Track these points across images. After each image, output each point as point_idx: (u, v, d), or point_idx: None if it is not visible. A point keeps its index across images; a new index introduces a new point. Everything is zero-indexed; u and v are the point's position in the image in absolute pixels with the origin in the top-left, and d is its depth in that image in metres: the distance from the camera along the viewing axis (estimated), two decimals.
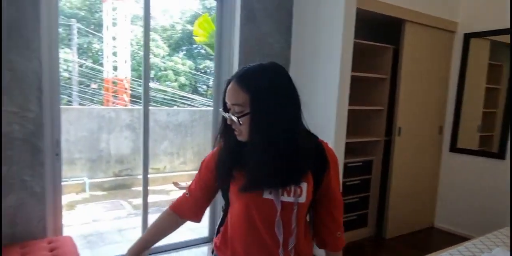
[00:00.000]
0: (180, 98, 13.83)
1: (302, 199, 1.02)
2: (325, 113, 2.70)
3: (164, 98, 13.55)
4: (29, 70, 2.13)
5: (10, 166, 2.15)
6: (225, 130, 1.07)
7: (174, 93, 14.06)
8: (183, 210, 1.16)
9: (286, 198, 1.01)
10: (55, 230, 2.40)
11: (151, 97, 12.54)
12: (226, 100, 1.01)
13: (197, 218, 1.18)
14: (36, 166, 2.23)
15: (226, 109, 1.04)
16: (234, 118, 0.99)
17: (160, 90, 13.81)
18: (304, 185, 1.02)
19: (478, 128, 3.40)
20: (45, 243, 2.16)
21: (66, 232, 2.50)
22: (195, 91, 16.15)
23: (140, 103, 7.43)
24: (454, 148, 3.45)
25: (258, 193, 1.02)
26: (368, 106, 3.19)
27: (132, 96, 12.48)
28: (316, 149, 1.07)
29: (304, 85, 2.89)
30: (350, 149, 3.42)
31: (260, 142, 0.97)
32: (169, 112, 6.80)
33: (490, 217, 3.09)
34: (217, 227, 1.18)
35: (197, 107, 11.96)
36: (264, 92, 0.97)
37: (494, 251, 1.89)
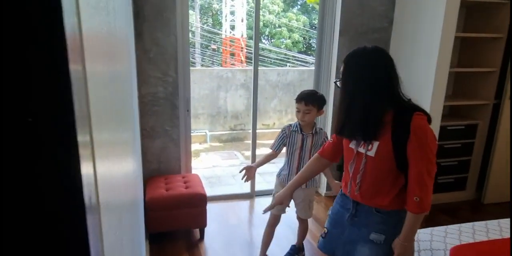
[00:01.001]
0: (291, 58, 14.14)
1: (371, 153, 1.35)
2: (425, 75, 2.79)
3: (277, 58, 14.01)
4: (168, 44, 2.78)
5: (157, 118, 2.91)
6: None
7: (286, 54, 14.39)
8: (325, 154, 1.62)
9: (361, 149, 1.38)
10: (187, 169, 3.17)
11: (264, 58, 13.15)
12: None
13: (336, 160, 1.64)
14: (174, 119, 2.96)
15: None
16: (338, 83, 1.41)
17: (272, 50, 14.27)
18: (375, 144, 1.33)
19: None
20: (180, 177, 2.92)
21: (194, 172, 3.27)
22: (308, 48, 16.16)
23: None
24: None
25: (347, 143, 1.44)
26: (477, 68, 3.11)
27: (247, 57, 13.23)
28: (401, 119, 1.29)
29: (405, 45, 2.99)
30: (454, 112, 3.42)
31: (342, 105, 1.37)
32: (279, 72, 7.29)
33: None
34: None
35: (307, 67, 12.15)
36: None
37: None
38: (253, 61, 3.18)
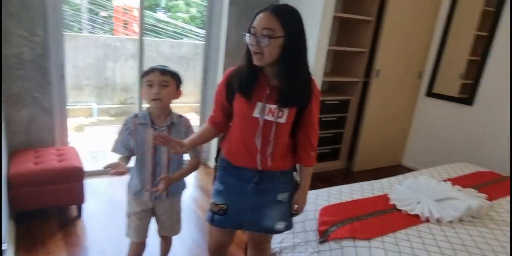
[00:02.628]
0: (189, 32, 13.75)
1: (282, 120, 1.32)
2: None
3: (174, 31, 13.48)
4: None
5: (23, 83, 2.56)
6: (247, 55, 1.28)
7: (183, 27, 13.94)
8: (219, 124, 1.46)
9: (269, 117, 1.31)
10: (62, 141, 2.89)
11: (161, 29, 12.51)
12: (255, 25, 1.21)
13: (224, 130, 1.48)
14: (45, 85, 2.63)
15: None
16: (265, 40, 1.18)
17: (169, 23, 13.67)
18: (286, 110, 1.31)
19: (461, 75, 3.61)
20: (54, 150, 2.65)
21: (74, 146, 2.99)
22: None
23: (150, 34, 7.58)
24: (430, 93, 3.73)
25: (251, 111, 1.31)
26: (351, 48, 3.42)
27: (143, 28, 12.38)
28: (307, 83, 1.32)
29: None
30: (330, 88, 3.74)
31: (289, 66, 1.24)
32: (172, 44, 7.02)
33: (455, 157, 3.45)
34: (222, 136, 1.53)
35: (203, 41, 11.95)
36: (295, 24, 1.23)
37: (420, 177, 2.30)
38: (139, 30, 3.01)
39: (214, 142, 3.48)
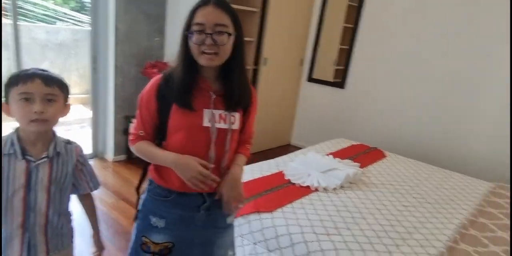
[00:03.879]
0: (62, 15, 12.35)
1: (236, 126, 1.19)
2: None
3: (45, 14, 11.96)
4: None
5: None
6: (185, 57, 1.11)
7: (56, 10, 12.44)
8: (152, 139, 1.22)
9: (221, 125, 1.15)
10: None
11: (28, 12, 10.97)
12: (203, 21, 1.04)
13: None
14: None
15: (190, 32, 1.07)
16: (222, 37, 1.05)
17: (37, 4, 12.06)
18: (237, 114, 1.19)
19: (334, 62, 4.10)
20: None
21: None
22: (82, 8, 14.45)
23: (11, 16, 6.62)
24: (311, 79, 4.15)
25: (199, 122, 1.13)
26: None
27: (6, 9, 10.72)
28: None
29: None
30: None
31: (238, 65, 1.13)
32: (48, 30, 6.28)
33: (335, 134, 3.94)
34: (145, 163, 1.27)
35: (82, 26, 10.94)
36: (240, 22, 1.12)
37: (308, 154, 2.61)
38: (11, 13, 2.66)
39: (110, 133, 3.33)
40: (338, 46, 4.00)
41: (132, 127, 1.22)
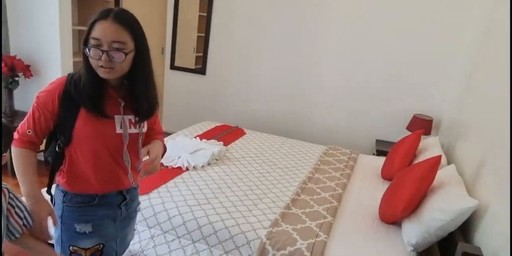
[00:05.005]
0: None
1: (145, 129, 1.29)
2: (49, 32, 2.88)
3: None
4: None
5: None
6: (88, 67, 1.12)
7: None
8: (31, 146, 1.20)
9: (132, 130, 1.23)
10: None
11: None
12: (100, 37, 1.05)
13: (39, 149, 1.24)
14: None
15: (86, 45, 1.09)
16: (119, 55, 1.07)
17: None
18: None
19: (194, 50, 4.34)
20: None
21: None
22: None
23: None
24: (173, 67, 4.33)
25: (112, 129, 1.18)
26: None
27: None
28: None
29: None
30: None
31: (143, 78, 1.18)
32: None
33: (201, 118, 4.22)
34: (51, 167, 1.26)
35: None
36: (142, 34, 1.14)
37: (177, 138, 2.85)
38: None
39: None
40: (196, 34, 4.25)
41: (20, 125, 1.20)
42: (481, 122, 2.25)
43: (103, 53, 1.05)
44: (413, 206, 1.88)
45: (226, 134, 3.24)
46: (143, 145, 1.30)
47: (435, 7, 3.17)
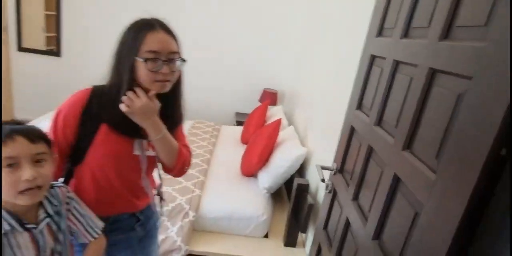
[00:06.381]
0: None
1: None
2: None
3: None
4: None
5: None
6: (131, 81, 1.02)
7: None
8: (59, 173, 1.08)
9: (150, 153, 1.12)
10: None
11: None
12: (159, 49, 0.98)
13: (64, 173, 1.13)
14: None
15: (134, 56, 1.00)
16: (177, 65, 1.03)
17: None
18: None
19: (43, 29, 4.07)
20: None
21: None
22: None
23: None
24: (21, 48, 4.01)
25: (129, 149, 1.08)
26: None
27: None
28: None
29: None
30: None
31: (180, 89, 1.13)
32: None
33: (57, 104, 4.03)
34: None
35: None
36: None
37: (38, 125, 2.82)
38: None
39: None
40: (44, 12, 4.00)
41: None
42: (308, 91, 2.95)
43: (163, 65, 0.99)
44: (264, 159, 2.44)
45: None
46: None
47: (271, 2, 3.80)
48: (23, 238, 0.87)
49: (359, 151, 1.20)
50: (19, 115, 4.26)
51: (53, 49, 4.04)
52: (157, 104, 1.04)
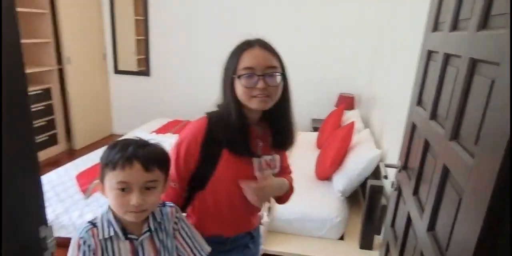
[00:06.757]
0: None
1: (278, 169, 1.20)
2: None
3: None
4: None
5: None
6: (236, 102, 1.07)
7: None
8: (179, 202, 1.14)
9: (268, 171, 1.15)
10: None
11: None
12: (253, 65, 1.02)
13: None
14: None
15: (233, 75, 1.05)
16: (274, 79, 1.04)
17: None
18: (277, 157, 1.19)
19: (135, 53, 4.67)
20: None
21: None
22: None
23: None
24: (117, 71, 4.64)
25: (250, 171, 1.11)
26: (33, 39, 3.73)
27: None
28: None
29: None
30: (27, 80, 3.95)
31: (286, 107, 1.13)
32: None
33: (151, 116, 4.57)
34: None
35: None
36: (283, 62, 1.10)
37: (134, 135, 3.23)
38: None
39: None
40: (135, 37, 4.58)
41: None
42: (383, 93, 2.92)
43: (258, 79, 1.02)
44: (338, 162, 2.49)
45: (179, 127, 3.68)
46: None
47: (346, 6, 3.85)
48: (124, 247, 0.95)
49: (418, 146, 1.23)
50: (117, 129, 4.90)
51: (143, 69, 4.59)
52: (274, 180, 1.13)
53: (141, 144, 0.93)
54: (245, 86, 1.02)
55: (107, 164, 0.90)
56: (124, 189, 0.89)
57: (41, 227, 0.81)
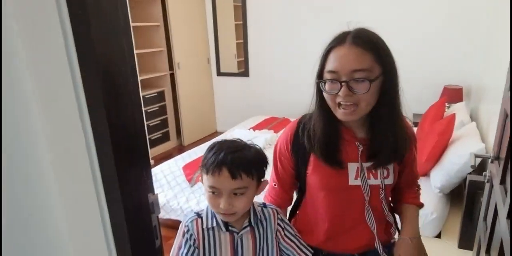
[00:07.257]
0: None
1: (390, 180, 1.03)
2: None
3: None
4: None
5: None
6: (321, 106, 0.99)
7: None
8: (281, 203, 1.16)
9: (373, 181, 1.01)
10: None
11: None
12: (337, 69, 0.91)
13: (290, 204, 1.20)
14: None
15: (321, 79, 0.96)
16: (362, 86, 0.89)
17: None
18: (391, 166, 1.04)
19: (235, 56, 5.05)
20: None
21: None
22: None
23: None
24: (219, 73, 5.07)
25: (343, 180, 1.01)
26: (149, 49, 4.32)
27: None
28: None
29: None
30: (144, 84, 4.60)
31: (389, 112, 0.97)
32: None
33: (250, 114, 4.88)
34: (290, 210, 1.21)
35: None
36: (388, 55, 0.93)
37: (235, 130, 3.53)
38: None
39: None
40: (235, 41, 4.95)
41: (270, 177, 1.16)
42: (494, 84, 2.69)
43: (341, 85, 0.90)
44: (435, 157, 2.39)
45: (275, 124, 3.89)
46: (388, 200, 1.11)
47: None
48: (225, 238, 1.04)
49: (509, 134, 1.18)
50: (220, 127, 5.34)
51: (243, 71, 4.93)
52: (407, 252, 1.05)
53: (233, 149, 0.96)
54: (327, 93, 0.95)
55: (203, 167, 0.98)
56: (214, 192, 0.97)
57: (149, 194, 1.03)
